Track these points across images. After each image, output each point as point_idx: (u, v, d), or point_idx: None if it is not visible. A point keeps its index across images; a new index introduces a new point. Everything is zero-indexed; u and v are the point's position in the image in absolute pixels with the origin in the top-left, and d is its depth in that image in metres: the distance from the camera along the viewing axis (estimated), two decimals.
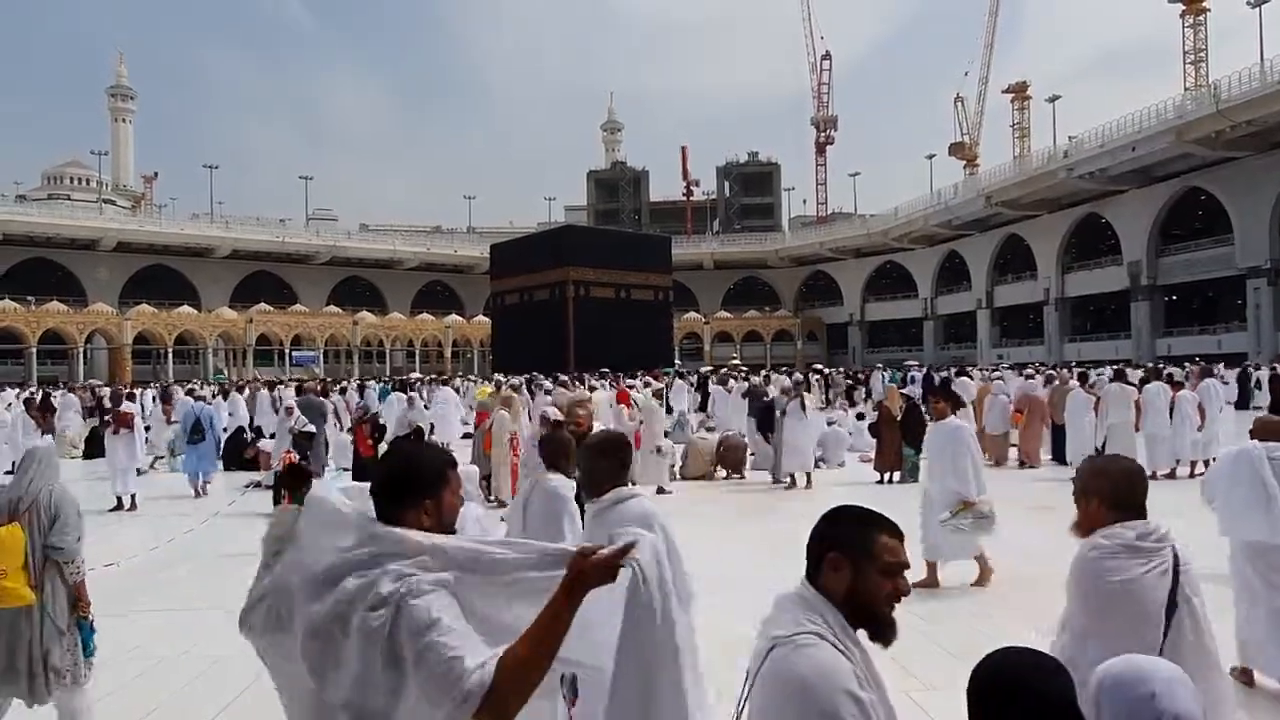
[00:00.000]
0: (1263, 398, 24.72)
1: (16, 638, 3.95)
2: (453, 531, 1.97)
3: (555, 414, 7.50)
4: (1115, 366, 19.98)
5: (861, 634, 1.85)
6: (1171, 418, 13.43)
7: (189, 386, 28.14)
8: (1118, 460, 2.77)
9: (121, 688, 5.09)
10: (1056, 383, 15.75)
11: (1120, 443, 13.43)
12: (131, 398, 19.75)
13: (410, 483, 1.97)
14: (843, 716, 1.65)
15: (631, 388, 18.90)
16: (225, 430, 16.45)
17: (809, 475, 12.97)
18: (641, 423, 13.16)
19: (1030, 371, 24.04)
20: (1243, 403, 25.51)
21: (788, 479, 13.05)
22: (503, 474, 11.82)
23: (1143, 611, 2.50)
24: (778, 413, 13.35)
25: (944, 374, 29.41)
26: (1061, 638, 2.72)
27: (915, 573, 5.75)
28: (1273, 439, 4.76)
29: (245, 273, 69.21)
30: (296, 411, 13.03)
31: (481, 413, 13.79)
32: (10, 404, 21.34)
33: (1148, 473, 10.33)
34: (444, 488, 1.99)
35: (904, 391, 16.66)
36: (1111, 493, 2.66)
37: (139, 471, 12.92)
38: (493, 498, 12.00)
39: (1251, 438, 4.88)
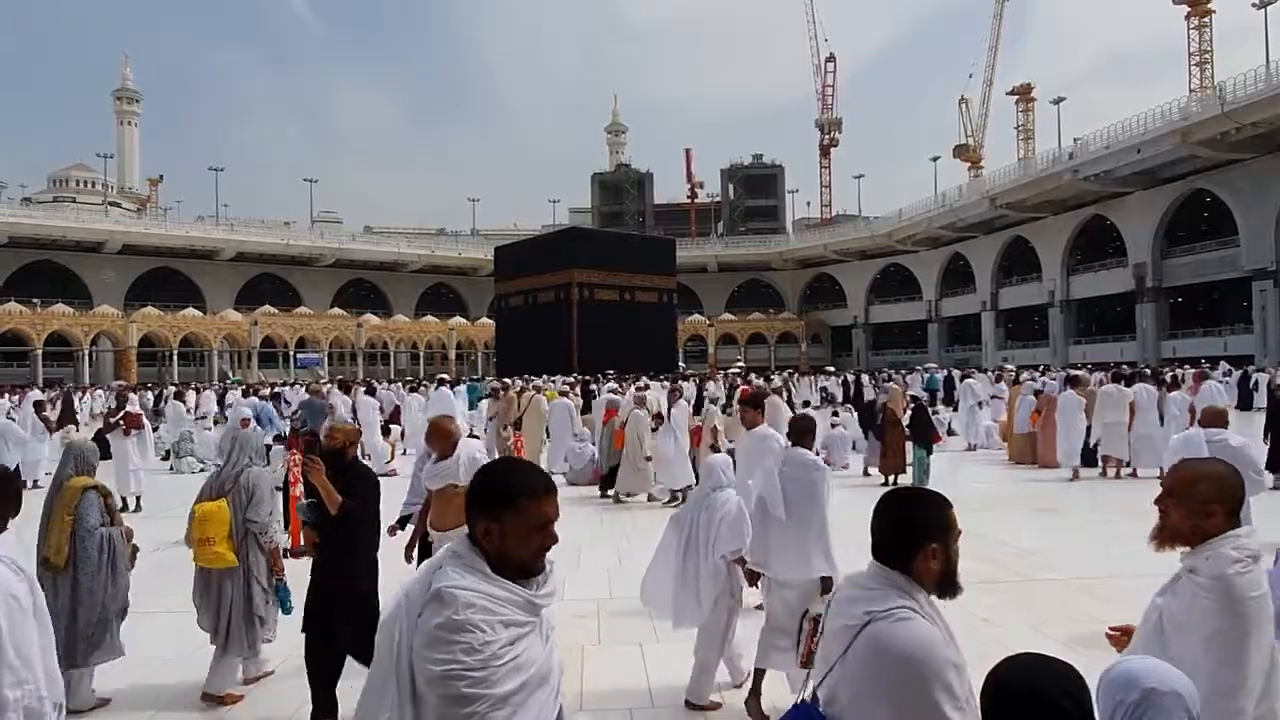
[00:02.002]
0: (1262, 399, 24.63)
1: (223, 595, 4.90)
2: (525, 561, 1.89)
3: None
4: (1110, 370, 19.99)
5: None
6: (1162, 419, 13.55)
7: (244, 385, 28.65)
8: (1220, 463, 2.47)
9: (130, 687, 5.10)
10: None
11: (1113, 443, 13.51)
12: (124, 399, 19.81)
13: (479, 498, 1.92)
14: (949, 680, 1.80)
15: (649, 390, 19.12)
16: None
17: (679, 492, 11.60)
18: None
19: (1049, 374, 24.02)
20: (1244, 404, 25.54)
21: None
22: (628, 470, 11.97)
23: (1270, 625, 2.26)
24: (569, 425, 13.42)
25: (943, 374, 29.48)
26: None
27: None
28: (1214, 425, 6.02)
29: (250, 275, 69.41)
30: (339, 408, 13.08)
31: (609, 410, 13.72)
32: (21, 404, 21.37)
33: (1129, 470, 10.38)
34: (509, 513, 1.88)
35: (911, 394, 16.69)
36: (1234, 499, 2.36)
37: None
38: (612, 492, 12.18)
39: (1200, 425, 6.14)
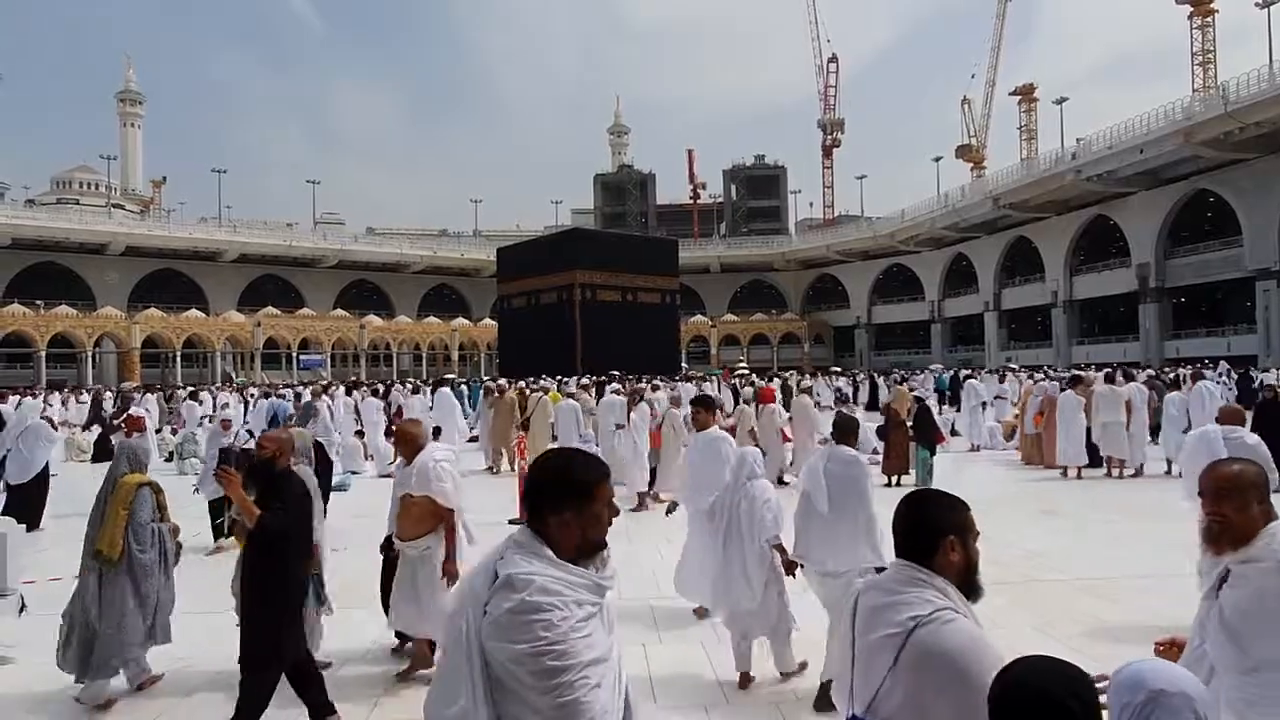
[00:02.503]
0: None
1: None
2: (598, 540, 2.00)
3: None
4: (1106, 370, 20.00)
5: None
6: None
7: (265, 386, 28.85)
8: (1252, 462, 2.51)
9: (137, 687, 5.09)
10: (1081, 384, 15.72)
11: (1112, 443, 13.55)
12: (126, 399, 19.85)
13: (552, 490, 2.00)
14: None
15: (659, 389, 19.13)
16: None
17: (641, 496, 11.82)
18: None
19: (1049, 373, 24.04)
20: (1245, 404, 25.51)
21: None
22: (666, 469, 12.01)
23: None
24: (613, 425, 13.28)
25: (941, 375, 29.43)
26: (1255, 678, 2.24)
27: None
28: (1230, 423, 6.11)
29: (253, 276, 69.47)
30: (323, 412, 13.07)
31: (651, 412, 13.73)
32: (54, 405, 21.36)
33: (1130, 471, 10.53)
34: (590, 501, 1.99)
35: (915, 394, 16.67)
36: (1268, 493, 2.41)
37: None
38: (652, 491, 12.26)
39: (1217, 422, 6.27)
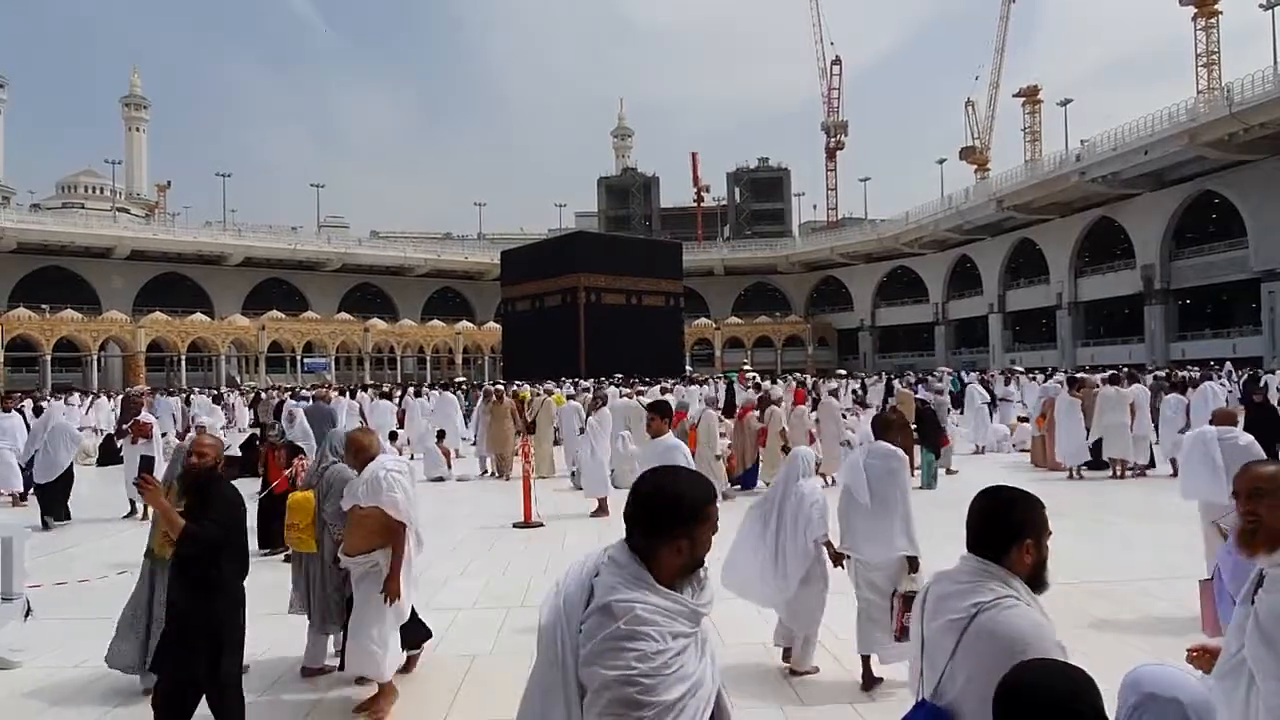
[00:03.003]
0: (1271, 400, 24.94)
1: (310, 578, 5.38)
2: (701, 560, 1.96)
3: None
4: (1111, 372, 20.04)
5: None
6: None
7: (288, 389, 29.00)
8: (1277, 463, 2.45)
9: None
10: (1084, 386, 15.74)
11: (1116, 445, 13.57)
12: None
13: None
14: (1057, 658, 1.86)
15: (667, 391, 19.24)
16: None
17: (601, 502, 11.59)
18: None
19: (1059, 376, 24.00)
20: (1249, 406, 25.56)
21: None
22: (702, 469, 11.95)
23: None
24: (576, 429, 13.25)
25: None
26: None
27: None
28: (1224, 424, 6.45)
29: (257, 280, 69.63)
30: (299, 416, 12.99)
31: (679, 412, 13.75)
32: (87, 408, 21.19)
33: (1135, 471, 10.63)
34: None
35: (919, 396, 16.65)
36: None
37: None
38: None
39: (1211, 424, 6.54)
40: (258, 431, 17.78)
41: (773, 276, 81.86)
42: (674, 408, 13.78)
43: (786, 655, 5.39)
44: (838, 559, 5.24)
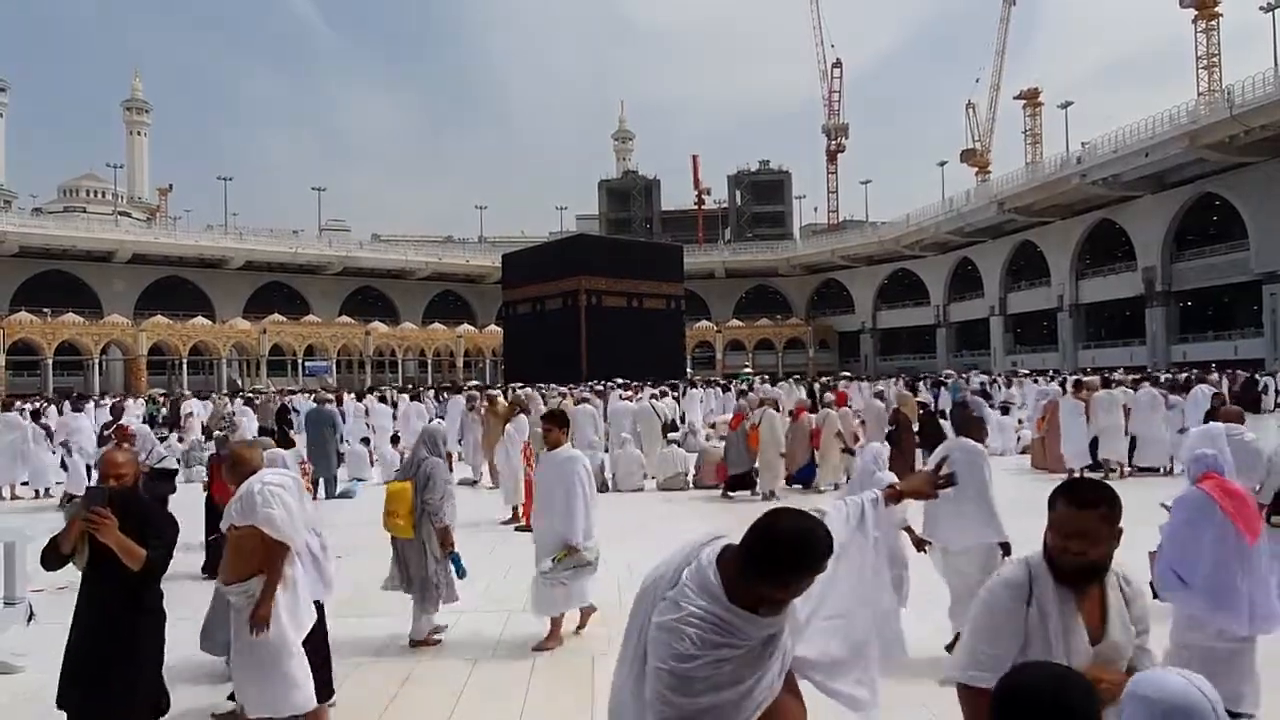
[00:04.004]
0: (1270, 402, 26.91)
1: (409, 560, 6.01)
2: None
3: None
4: (1102, 375, 20.26)
5: None
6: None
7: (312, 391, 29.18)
8: None
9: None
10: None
11: (1111, 445, 13.79)
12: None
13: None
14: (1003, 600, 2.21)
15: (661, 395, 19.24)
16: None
17: (515, 511, 11.19)
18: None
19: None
20: (1252, 407, 25.81)
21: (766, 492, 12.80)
22: (766, 468, 12.64)
23: None
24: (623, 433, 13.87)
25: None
26: None
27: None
28: (1231, 421, 6.57)
29: (259, 284, 69.67)
30: (245, 424, 12.79)
31: (738, 414, 13.90)
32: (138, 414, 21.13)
33: (1130, 471, 10.78)
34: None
35: (920, 399, 16.68)
36: None
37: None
38: (759, 491, 12.71)
39: (1217, 419, 6.79)
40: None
41: (774, 279, 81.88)
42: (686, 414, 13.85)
43: None
44: (919, 544, 5.70)
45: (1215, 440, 6.39)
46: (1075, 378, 20.10)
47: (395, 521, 5.89)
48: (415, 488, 5.93)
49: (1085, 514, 2.20)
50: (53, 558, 3.63)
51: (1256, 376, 29.47)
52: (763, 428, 12.63)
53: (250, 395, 32.06)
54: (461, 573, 6.21)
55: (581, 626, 6.40)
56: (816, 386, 28.04)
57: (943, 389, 22.61)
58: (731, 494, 13.03)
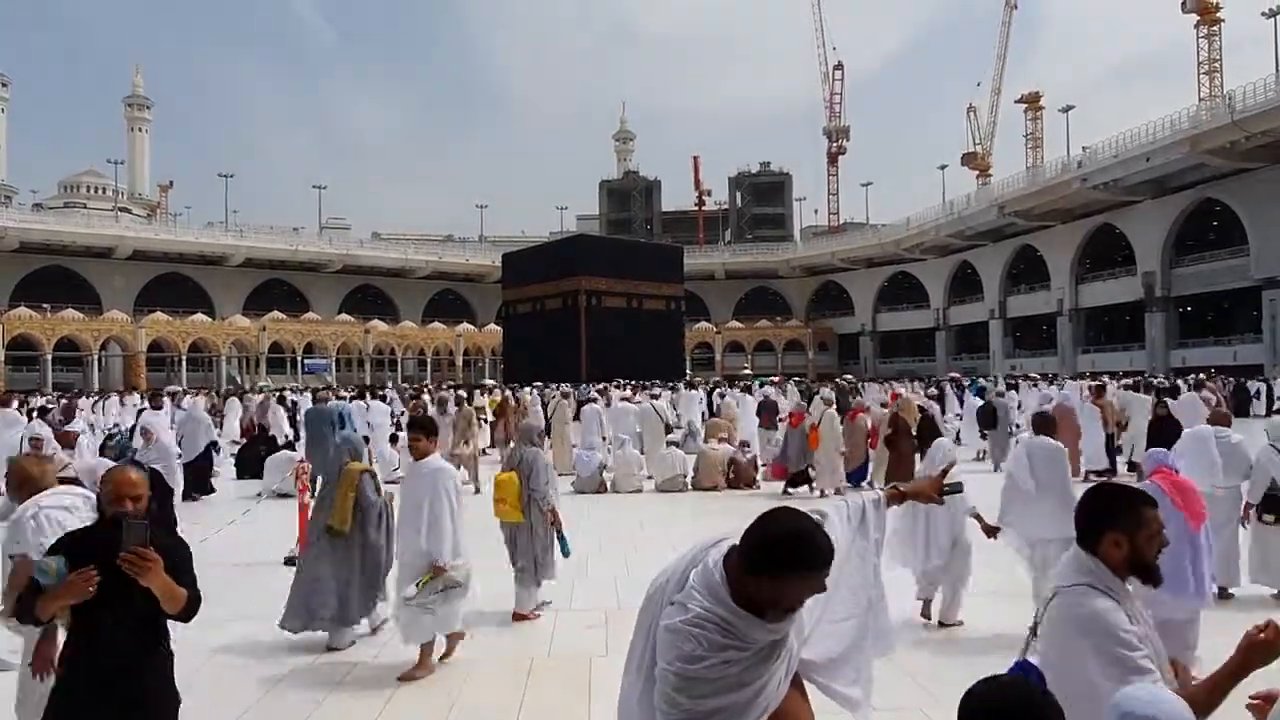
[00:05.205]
0: (1260, 408, 27.83)
1: (518, 542, 6.64)
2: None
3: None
4: (1097, 381, 20.42)
5: None
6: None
7: (324, 389, 29.18)
8: None
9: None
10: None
11: (1140, 447, 13.91)
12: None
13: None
14: (1118, 634, 2.09)
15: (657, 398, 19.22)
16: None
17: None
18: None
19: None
20: (1240, 412, 26.06)
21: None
22: (825, 466, 12.95)
23: None
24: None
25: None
26: None
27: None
28: (1219, 424, 7.32)
29: (259, 281, 69.64)
30: (158, 434, 12.50)
31: (797, 413, 14.10)
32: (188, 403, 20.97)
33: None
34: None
35: (920, 403, 16.66)
36: None
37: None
38: (815, 488, 13.02)
39: (1208, 423, 7.47)
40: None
41: (774, 281, 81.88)
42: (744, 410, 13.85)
43: (924, 609, 6.37)
44: (990, 531, 6.14)
45: (1204, 442, 7.12)
46: (1097, 384, 20.25)
47: (504, 508, 6.51)
48: (520, 477, 6.54)
49: (1157, 513, 2.33)
50: (28, 620, 3.02)
51: (1246, 384, 30.34)
52: (823, 427, 12.95)
53: (230, 390, 31.96)
54: (566, 551, 6.81)
55: (447, 654, 5.71)
56: (843, 386, 27.93)
57: (966, 391, 22.58)
58: (791, 490, 13.39)
